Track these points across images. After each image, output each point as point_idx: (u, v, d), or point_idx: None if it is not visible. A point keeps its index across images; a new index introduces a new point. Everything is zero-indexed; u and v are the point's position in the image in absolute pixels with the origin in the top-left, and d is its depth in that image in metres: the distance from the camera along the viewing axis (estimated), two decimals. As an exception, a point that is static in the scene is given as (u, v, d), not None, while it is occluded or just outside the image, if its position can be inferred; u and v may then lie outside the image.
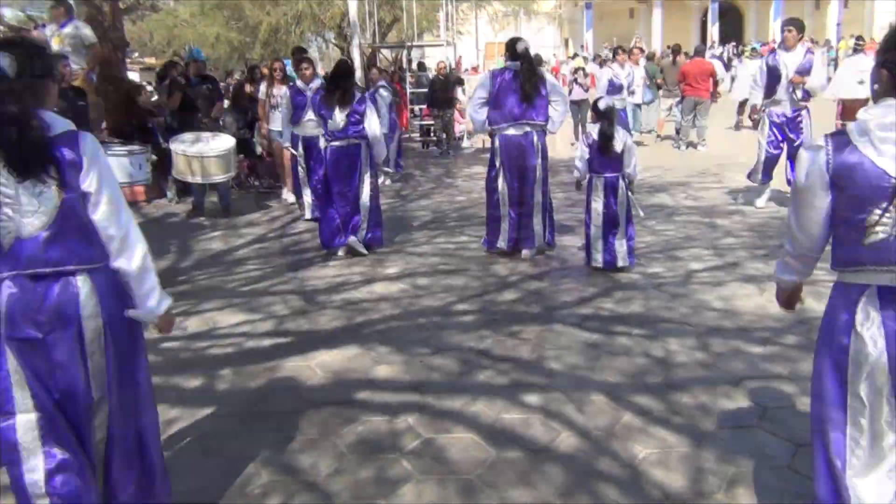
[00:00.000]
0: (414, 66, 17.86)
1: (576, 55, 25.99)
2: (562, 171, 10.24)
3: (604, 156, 5.57)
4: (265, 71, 10.88)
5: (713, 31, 40.48)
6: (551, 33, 39.70)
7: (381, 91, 10.07)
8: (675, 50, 14.14)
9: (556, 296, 5.23)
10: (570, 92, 14.07)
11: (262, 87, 8.93)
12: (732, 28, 41.52)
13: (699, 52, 13.84)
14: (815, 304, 3.40)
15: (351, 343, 4.46)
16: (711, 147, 12.71)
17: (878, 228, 1.87)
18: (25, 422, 2.18)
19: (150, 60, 25.30)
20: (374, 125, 6.27)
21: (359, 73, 15.47)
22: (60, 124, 2.17)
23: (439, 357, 4.20)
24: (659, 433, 3.24)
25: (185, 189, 8.99)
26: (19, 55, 2.09)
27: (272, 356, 4.31)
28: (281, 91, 8.21)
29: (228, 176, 8.09)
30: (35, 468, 2.19)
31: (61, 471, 2.20)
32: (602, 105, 5.63)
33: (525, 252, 6.21)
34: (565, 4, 41.28)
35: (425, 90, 14.39)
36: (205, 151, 7.73)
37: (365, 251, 6.44)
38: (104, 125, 9.33)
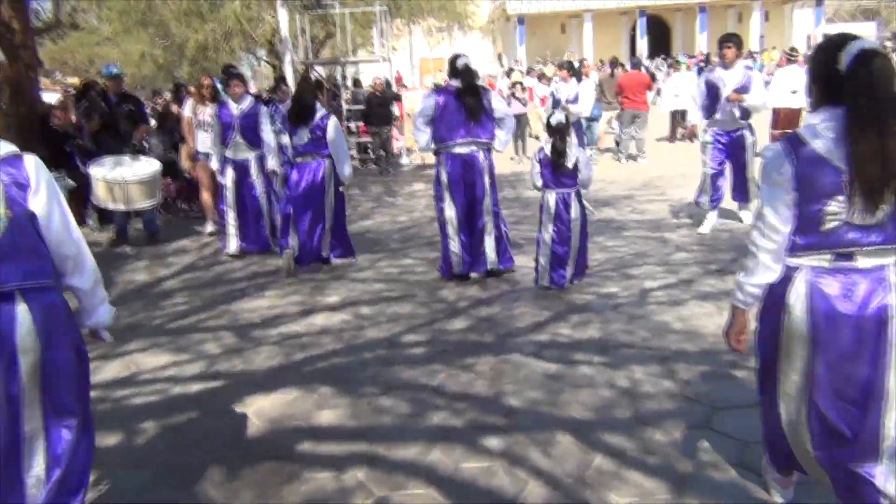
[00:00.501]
0: (349, 82, 17.50)
1: (511, 70, 25.98)
2: (504, 187, 10.01)
3: (555, 171, 5.38)
4: (192, 89, 10.36)
5: (642, 44, 41.32)
6: (486, 48, 39.87)
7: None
8: (613, 63, 14.16)
9: (510, 322, 4.93)
10: (509, 106, 13.96)
11: (188, 104, 8.34)
12: (660, 41, 42.49)
13: (636, 65, 13.88)
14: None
15: (290, 384, 4.06)
16: (650, 159, 12.72)
17: (832, 217, 2.16)
18: None
19: (73, 80, 24.24)
20: (335, 139, 6.33)
21: (291, 90, 15.10)
22: (3, 148, 2.20)
23: (388, 397, 3.84)
24: (634, 477, 2.95)
25: (106, 216, 8.39)
26: None
27: (201, 403, 3.88)
28: (209, 110, 7.74)
29: (153, 202, 7.57)
30: None
31: None
32: (554, 121, 5.39)
33: (473, 274, 5.93)
34: (498, 20, 41.53)
35: (361, 107, 14.04)
36: (126, 176, 7.19)
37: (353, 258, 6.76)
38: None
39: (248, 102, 7.06)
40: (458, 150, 5.74)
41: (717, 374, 3.88)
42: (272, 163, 7.01)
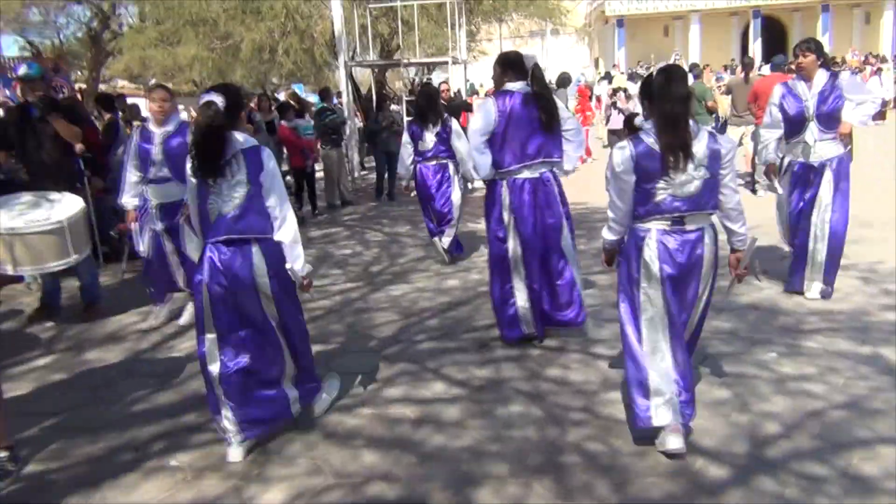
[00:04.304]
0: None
1: (608, 74, 22.79)
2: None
3: None
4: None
5: (755, 46, 37.53)
6: (581, 52, 36.84)
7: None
8: (748, 64, 10.95)
9: None
10: (608, 120, 11.06)
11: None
12: (775, 44, 38.32)
13: (777, 66, 10.65)
14: None
15: None
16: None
17: (661, 191, 3.05)
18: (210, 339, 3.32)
19: (123, 84, 22.93)
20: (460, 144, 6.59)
21: (345, 98, 12.66)
22: (250, 141, 3.29)
23: None
24: None
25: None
26: (226, 95, 3.21)
27: None
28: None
29: (69, 261, 5.03)
30: (213, 370, 3.32)
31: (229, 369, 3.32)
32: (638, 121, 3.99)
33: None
34: (595, 22, 38.42)
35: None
36: (18, 226, 4.73)
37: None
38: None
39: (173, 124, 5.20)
40: (527, 174, 4.46)
41: None
42: None
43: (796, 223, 5.31)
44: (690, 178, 3.01)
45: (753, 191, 9.84)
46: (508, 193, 4.45)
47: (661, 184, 3.01)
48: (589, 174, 11.54)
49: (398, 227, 8.92)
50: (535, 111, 4.36)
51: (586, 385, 3.94)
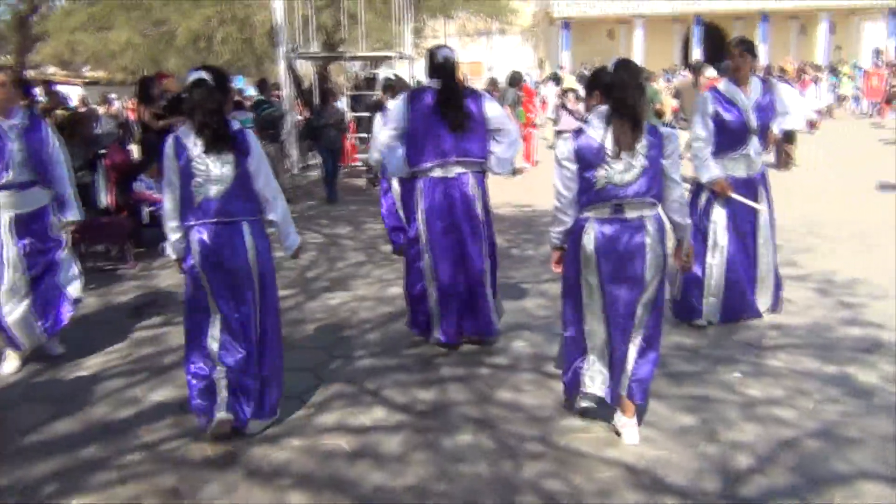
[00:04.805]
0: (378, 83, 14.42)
1: (555, 75, 22.65)
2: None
3: None
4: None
5: (696, 53, 38.18)
6: (526, 53, 36.84)
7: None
8: (697, 68, 10.86)
9: None
10: (558, 121, 10.84)
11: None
12: (716, 50, 39.09)
13: (724, 71, 10.57)
14: None
15: None
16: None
17: (600, 179, 3.12)
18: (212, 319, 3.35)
19: (53, 70, 21.76)
20: None
21: (285, 91, 12.12)
22: (235, 124, 3.34)
23: None
24: None
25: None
26: (213, 74, 3.30)
27: None
28: None
29: None
30: (213, 343, 3.34)
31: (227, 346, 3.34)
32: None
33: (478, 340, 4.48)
34: (541, 23, 38.49)
35: (367, 114, 10.97)
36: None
37: None
38: None
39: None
40: (440, 173, 4.26)
41: None
42: None
43: (743, 246, 4.73)
44: (629, 167, 3.09)
45: (702, 196, 9.71)
46: (423, 192, 4.28)
47: (600, 172, 3.10)
48: (534, 177, 11.29)
49: (338, 229, 8.45)
50: (440, 110, 4.19)
51: (541, 410, 3.60)
